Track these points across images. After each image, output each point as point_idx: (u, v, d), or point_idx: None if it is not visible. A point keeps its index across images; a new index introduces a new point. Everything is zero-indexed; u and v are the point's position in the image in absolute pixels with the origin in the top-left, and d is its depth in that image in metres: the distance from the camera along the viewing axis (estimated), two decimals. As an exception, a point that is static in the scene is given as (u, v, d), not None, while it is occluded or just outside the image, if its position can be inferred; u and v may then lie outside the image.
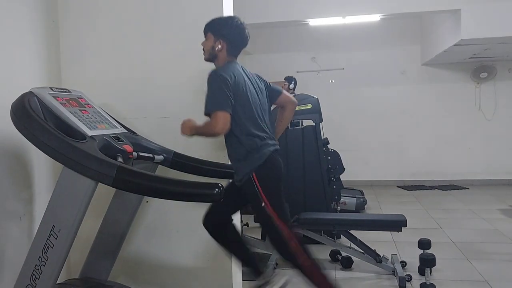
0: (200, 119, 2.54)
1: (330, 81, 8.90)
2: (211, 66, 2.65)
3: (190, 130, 2.55)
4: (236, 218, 3.17)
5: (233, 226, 2.84)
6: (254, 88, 2.65)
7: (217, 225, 2.78)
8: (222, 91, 2.43)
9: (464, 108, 8.54)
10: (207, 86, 2.46)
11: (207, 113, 2.44)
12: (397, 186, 8.50)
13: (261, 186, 2.51)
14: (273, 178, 2.60)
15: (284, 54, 8.96)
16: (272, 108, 2.85)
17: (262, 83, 2.77)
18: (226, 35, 2.59)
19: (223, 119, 2.40)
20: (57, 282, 2.21)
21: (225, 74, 2.47)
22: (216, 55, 2.61)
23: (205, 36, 2.65)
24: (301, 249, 2.56)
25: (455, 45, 6.45)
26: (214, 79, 2.46)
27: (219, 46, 2.59)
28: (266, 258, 4.19)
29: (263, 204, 2.51)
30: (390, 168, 8.74)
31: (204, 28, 2.65)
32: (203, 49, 2.66)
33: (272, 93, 2.82)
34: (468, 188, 8.16)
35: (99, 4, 3.15)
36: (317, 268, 2.58)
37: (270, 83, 2.85)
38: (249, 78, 2.65)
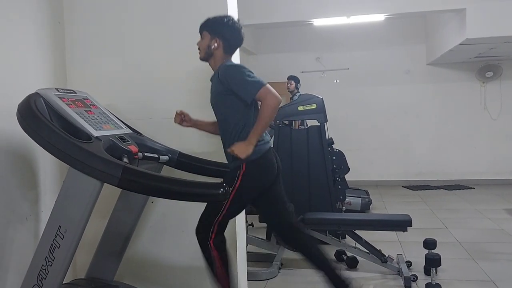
0: (204, 118, 2.57)
1: (335, 81, 8.90)
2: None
3: (248, 147, 2.46)
4: (241, 219, 3.18)
5: (224, 240, 2.73)
6: None
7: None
8: (252, 73, 2.49)
9: (469, 108, 8.51)
10: (233, 79, 2.48)
11: (254, 96, 2.45)
12: (402, 186, 8.48)
13: (248, 181, 2.52)
14: (264, 176, 2.61)
15: (289, 54, 8.96)
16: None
17: None
18: (222, 34, 2.60)
19: (272, 89, 2.44)
20: (63, 282, 2.22)
21: (241, 64, 2.55)
22: (212, 53, 2.62)
23: (200, 36, 2.66)
24: (217, 241, 2.60)
25: (460, 44, 6.43)
26: (239, 68, 2.53)
27: (215, 45, 2.60)
28: (271, 258, 4.20)
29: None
30: (395, 168, 8.72)
31: (200, 28, 2.66)
32: (198, 48, 2.67)
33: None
34: (473, 188, 8.13)
35: (104, 6, 3.16)
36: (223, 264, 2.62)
37: None
38: None
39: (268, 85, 2.44)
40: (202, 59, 2.68)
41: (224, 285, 2.62)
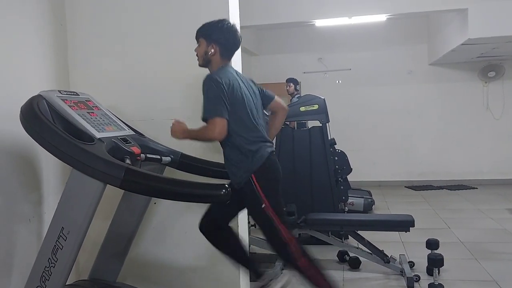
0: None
1: (337, 81, 8.89)
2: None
3: (182, 133, 2.58)
4: (244, 219, 3.18)
5: (230, 229, 2.81)
6: (249, 92, 2.65)
7: (213, 230, 2.77)
8: (218, 97, 2.44)
9: (472, 108, 8.50)
10: (202, 92, 2.47)
11: (204, 119, 2.46)
12: (405, 186, 8.47)
13: (266, 186, 2.52)
14: (271, 180, 2.60)
15: (291, 55, 8.96)
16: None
17: (256, 87, 2.77)
18: (218, 39, 2.59)
19: (221, 125, 2.41)
20: (66, 284, 2.23)
21: (220, 79, 2.48)
22: (210, 60, 2.62)
23: (197, 42, 2.66)
24: (300, 251, 2.56)
25: (462, 44, 6.42)
26: (210, 85, 2.48)
27: (212, 51, 2.59)
28: (274, 259, 4.19)
29: (263, 206, 2.51)
30: (398, 168, 8.71)
31: (196, 34, 2.65)
32: (196, 55, 2.67)
33: (265, 99, 2.81)
34: (476, 188, 8.12)
35: (106, 7, 3.17)
36: (317, 269, 2.58)
37: (264, 89, 2.85)
38: (243, 82, 2.65)
39: (214, 119, 2.41)
40: (200, 65, 2.67)
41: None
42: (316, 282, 2.56)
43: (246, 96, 2.59)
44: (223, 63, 2.63)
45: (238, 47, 2.72)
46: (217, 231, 2.77)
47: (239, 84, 2.59)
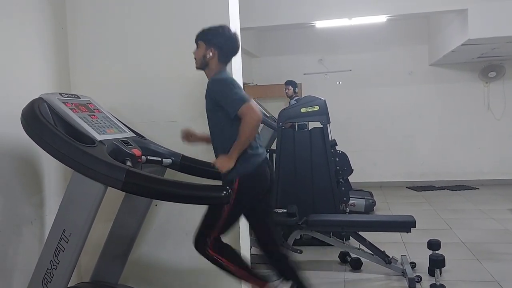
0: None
1: (338, 82, 8.89)
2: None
3: (229, 160, 2.49)
4: (245, 221, 3.18)
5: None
6: None
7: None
8: (237, 87, 2.54)
9: (472, 108, 8.49)
10: (219, 93, 2.51)
11: (237, 112, 2.44)
12: (406, 187, 8.46)
13: (243, 194, 2.53)
14: (258, 188, 2.64)
15: (291, 57, 8.97)
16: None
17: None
18: (217, 44, 2.61)
19: (255, 106, 2.46)
20: (68, 286, 2.23)
21: (228, 76, 2.59)
22: (207, 63, 2.64)
23: (196, 45, 2.68)
24: (218, 249, 2.61)
25: (462, 45, 6.42)
26: (224, 82, 2.54)
27: (210, 54, 2.62)
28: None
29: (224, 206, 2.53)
30: (399, 169, 8.70)
31: (196, 38, 2.68)
32: (194, 58, 2.69)
33: None
34: (478, 188, 8.11)
35: (107, 10, 3.19)
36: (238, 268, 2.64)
37: None
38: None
39: (251, 102, 2.45)
40: (197, 68, 2.70)
41: (252, 280, 2.67)
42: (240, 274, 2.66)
43: None
44: (220, 68, 2.65)
45: (236, 53, 2.74)
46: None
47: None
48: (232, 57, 2.73)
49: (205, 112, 2.66)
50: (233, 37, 2.67)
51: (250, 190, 2.60)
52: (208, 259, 2.63)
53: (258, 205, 2.73)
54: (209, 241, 2.60)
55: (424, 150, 8.64)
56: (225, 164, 2.49)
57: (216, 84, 2.55)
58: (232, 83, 2.56)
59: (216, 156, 2.63)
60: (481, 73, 8.40)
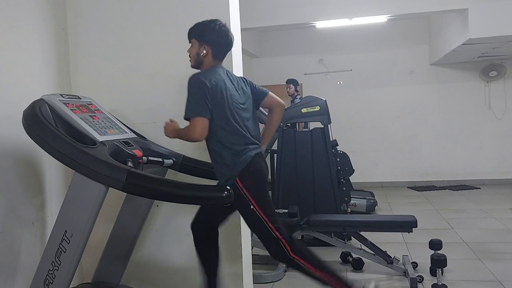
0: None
1: (338, 82, 8.89)
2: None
3: (173, 132, 2.59)
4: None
5: (217, 233, 2.80)
6: (237, 92, 2.63)
7: (203, 229, 2.77)
8: (201, 96, 2.44)
9: (473, 108, 8.49)
10: (187, 90, 2.48)
11: (186, 118, 2.46)
12: (408, 187, 8.46)
13: (246, 190, 2.52)
14: (256, 181, 2.60)
15: (292, 57, 8.97)
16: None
17: (247, 87, 2.74)
18: (210, 40, 2.58)
19: (201, 125, 2.42)
20: (70, 287, 2.23)
21: (204, 79, 2.48)
22: (201, 61, 2.61)
23: (190, 43, 2.65)
24: (293, 245, 2.57)
25: (463, 44, 6.42)
26: (193, 84, 2.48)
27: (204, 52, 2.59)
28: (276, 261, 4.19)
29: (251, 207, 2.52)
30: (400, 169, 8.70)
31: (188, 34, 2.64)
32: (189, 55, 2.66)
33: (258, 95, 2.77)
34: (479, 188, 8.10)
35: (107, 11, 3.19)
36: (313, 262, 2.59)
37: (257, 85, 2.82)
38: (231, 82, 2.63)
39: (195, 119, 2.42)
40: (192, 66, 2.66)
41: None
42: (317, 274, 2.58)
43: (232, 96, 2.56)
44: (215, 64, 2.62)
45: (231, 48, 2.70)
46: (206, 231, 2.77)
47: (226, 83, 2.56)
48: (226, 52, 2.68)
49: None
50: (226, 31, 2.62)
51: (253, 183, 2.56)
52: (292, 265, 2.61)
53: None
54: (283, 244, 2.56)
55: (425, 150, 8.64)
56: (168, 130, 2.61)
57: (189, 81, 2.49)
58: (199, 88, 2.46)
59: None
60: (482, 72, 8.40)
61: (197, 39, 2.61)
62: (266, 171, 2.69)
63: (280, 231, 2.58)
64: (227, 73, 2.66)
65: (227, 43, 2.65)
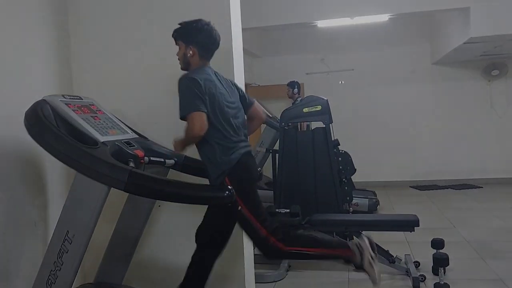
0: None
1: (340, 82, 8.89)
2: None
3: (179, 144, 2.60)
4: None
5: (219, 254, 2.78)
6: (226, 90, 2.66)
7: (209, 245, 2.74)
8: (194, 92, 2.45)
9: (475, 106, 8.48)
10: (178, 92, 2.48)
11: (182, 117, 2.46)
12: (410, 186, 8.45)
13: (235, 190, 2.46)
14: (246, 180, 2.61)
15: (293, 56, 8.97)
16: None
17: (235, 89, 2.78)
18: (195, 41, 2.59)
19: (199, 119, 2.41)
20: (72, 287, 2.24)
21: (195, 77, 2.50)
22: (189, 62, 2.62)
23: (176, 44, 2.65)
24: (284, 242, 2.61)
25: (464, 43, 6.42)
26: (184, 83, 2.49)
27: (191, 53, 2.60)
28: (279, 260, 4.20)
29: (239, 208, 2.54)
30: (403, 168, 8.67)
31: (174, 37, 2.65)
32: (178, 59, 2.66)
33: (244, 104, 2.80)
34: (481, 187, 8.09)
35: (109, 12, 3.20)
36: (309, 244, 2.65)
37: (246, 94, 2.86)
38: (220, 81, 2.65)
39: (192, 114, 2.41)
40: (182, 69, 2.66)
41: (337, 252, 2.70)
42: (318, 254, 2.66)
43: (221, 94, 2.58)
44: (203, 64, 2.63)
45: (217, 47, 2.68)
46: (211, 248, 2.75)
47: (215, 82, 2.58)
48: (213, 51, 2.67)
49: None
50: (210, 29, 2.61)
51: (242, 182, 2.56)
52: (290, 257, 2.67)
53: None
54: (273, 241, 2.59)
55: (428, 149, 8.62)
56: (176, 145, 2.62)
57: (179, 82, 2.50)
58: (191, 85, 2.47)
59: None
60: (483, 71, 8.39)
61: (182, 41, 2.62)
62: (256, 170, 2.70)
63: (269, 229, 2.60)
64: (215, 73, 2.68)
65: (213, 42, 2.64)
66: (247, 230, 2.66)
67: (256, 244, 2.69)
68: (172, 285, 3.15)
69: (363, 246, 2.67)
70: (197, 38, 2.59)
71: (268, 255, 2.72)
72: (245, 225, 2.62)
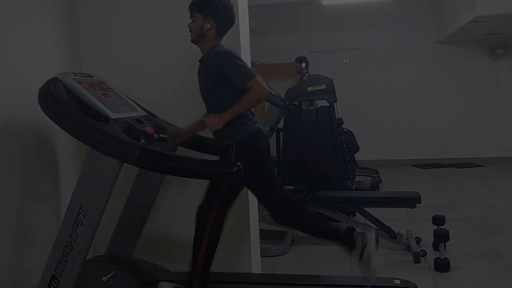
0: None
1: (345, 60, 8.88)
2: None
3: (220, 122, 2.44)
4: (254, 197, 3.25)
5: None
6: None
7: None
8: (242, 61, 2.49)
9: (480, 86, 8.46)
10: (228, 67, 2.43)
11: (246, 85, 2.39)
12: (412, 165, 8.51)
13: (240, 161, 2.40)
14: (253, 158, 2.56)
15: (298, 35, 8.93)
16: None
17: None
18: (214, 14, 2.52)
19: (262, 81, 2.42)
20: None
21: (232, 50, 2.52)
22: (204, 34, 2.53)
23: (191, 17, 2.57)
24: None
25: (470, 22, 6.39)
26: (229, 55, 2.47)
27: (208, 26, 2.52)
28: (283, 235, 4.30)
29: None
30: (405, 147, 8.70)
31: (191, 8, 2.57)
32: (190, 30, 2.58)
33: None
34: (483, 166, 8.14)
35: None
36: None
37: None
38: None
39: (255, 79, 2.39)
40: (192, 41, 2.59)
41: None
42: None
43: None
44: (216, 41, 2.57)
45: (233, 25, 2.64)
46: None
47: None
48: (228, 29, 2.62)
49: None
50: (230, 7, 2.57)
51: (247, 157, 2.47)
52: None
53: (258, 173, 2.63)
54: (212, 217, 2.60)
55: (431, 128, 8.63)
56: (215, 123, 2.44)
57: (224, 55, 2.47)
58: (235, 56, 2.49)
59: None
60: (489, 50, 8.36)
61: (200, 13, 2.53)
62: (265, 147, 2.66)
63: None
64: None
65: (231, 20, 2.60)
66: (212, 192, 2.65)
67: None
68: (181, 257, 3.24)
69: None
70: (218, 13, 2.53)
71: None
72: (214, 190, 2.62)
